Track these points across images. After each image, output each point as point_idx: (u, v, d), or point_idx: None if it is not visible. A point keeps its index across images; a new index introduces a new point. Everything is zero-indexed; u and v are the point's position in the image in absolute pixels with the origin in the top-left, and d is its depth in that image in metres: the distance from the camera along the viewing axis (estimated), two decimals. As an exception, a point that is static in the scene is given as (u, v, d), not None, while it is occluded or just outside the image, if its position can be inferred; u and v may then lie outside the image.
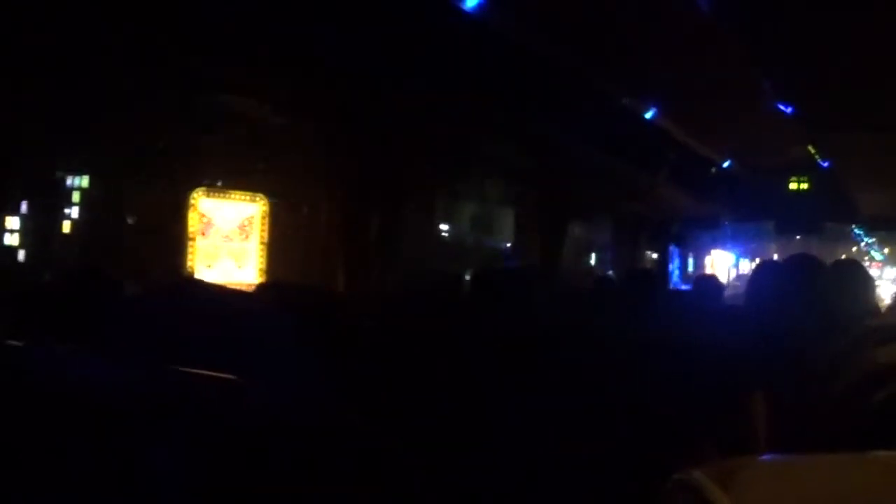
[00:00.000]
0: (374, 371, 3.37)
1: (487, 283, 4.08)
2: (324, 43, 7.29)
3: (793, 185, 18.68)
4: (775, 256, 24.14)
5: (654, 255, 20.24)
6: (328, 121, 9.07)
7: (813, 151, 15.27)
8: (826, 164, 16.33)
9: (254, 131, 9.78)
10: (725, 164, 17.16)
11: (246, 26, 6.71)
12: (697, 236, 22.88)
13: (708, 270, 26.33)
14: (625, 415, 3.00)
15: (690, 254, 24.28)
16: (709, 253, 27.03)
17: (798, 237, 23.92)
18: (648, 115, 12.54)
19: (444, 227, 16.72)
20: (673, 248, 20.90)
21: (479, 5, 8.29)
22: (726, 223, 22.24)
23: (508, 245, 20.52)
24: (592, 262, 21.02)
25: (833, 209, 19.09)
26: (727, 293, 7.62)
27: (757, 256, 29.58)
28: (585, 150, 11.69)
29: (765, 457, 1.76)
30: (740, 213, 20.68)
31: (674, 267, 21.86)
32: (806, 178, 18.48)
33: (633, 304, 5.37)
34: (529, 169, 12.82)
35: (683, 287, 16.44)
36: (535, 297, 4.54)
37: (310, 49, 7.40)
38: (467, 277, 4.53)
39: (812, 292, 3.52)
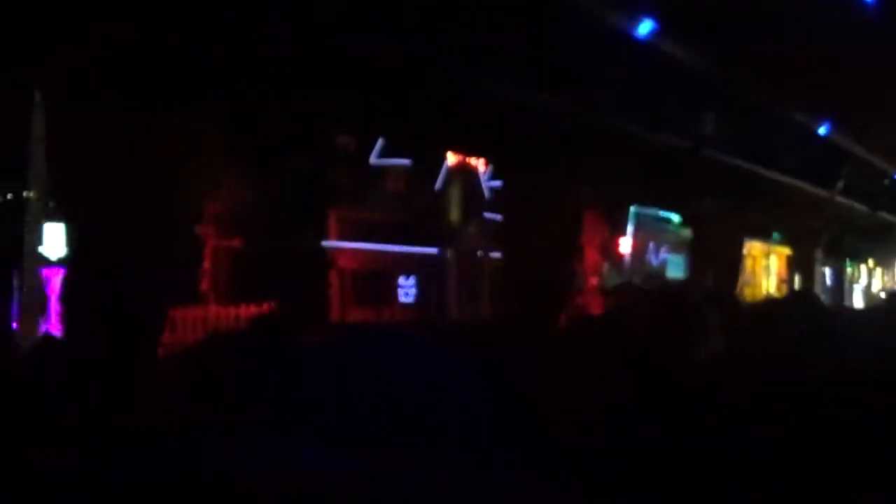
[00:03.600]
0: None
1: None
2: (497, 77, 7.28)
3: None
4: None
5: (826, 269, 19.54)
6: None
7: None
8: None
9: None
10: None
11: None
12: (871, 249, 21.94)
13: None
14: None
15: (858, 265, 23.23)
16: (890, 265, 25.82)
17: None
18: (822, 131, 12.15)
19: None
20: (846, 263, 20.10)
21: (652, 32, 8.16)
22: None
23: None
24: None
25: None
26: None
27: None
28: (761, 169, 11.44)
29: None
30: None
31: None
32: None
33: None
34: (700, 190, 12.57)
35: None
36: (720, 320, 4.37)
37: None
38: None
39: None
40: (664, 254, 22.69)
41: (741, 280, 14.74)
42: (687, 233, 22.74)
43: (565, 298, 9.99)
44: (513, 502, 1.80)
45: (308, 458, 1.73)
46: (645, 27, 8.08)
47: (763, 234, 17.58)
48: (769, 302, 12.19)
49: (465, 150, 12.07)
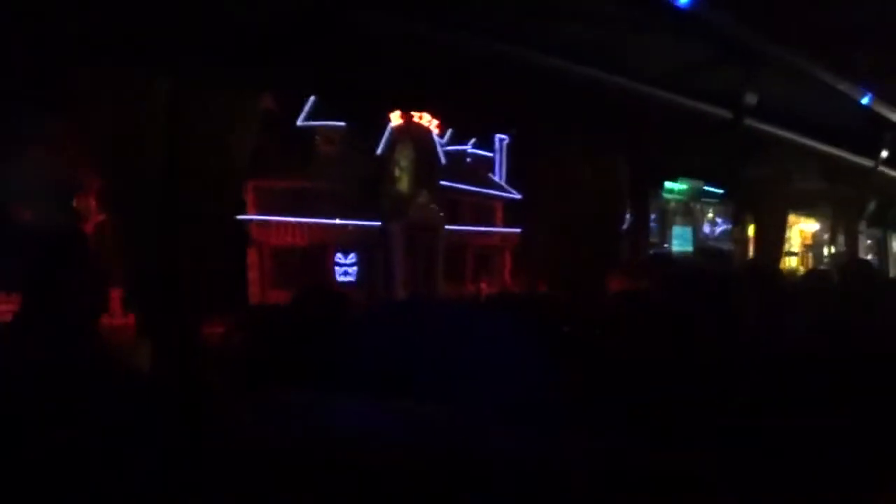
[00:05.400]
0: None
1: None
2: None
3: None
4: None
5: (869, 240, 19.18)
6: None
7: None
8: None
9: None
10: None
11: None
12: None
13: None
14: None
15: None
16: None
17: None
18: (865, 100, 11.86)
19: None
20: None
21: (692, 2, 7.97)
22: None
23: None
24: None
25: None
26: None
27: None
28: (804, 138, 11.24)
29: None
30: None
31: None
32: None
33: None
34: (741, 161, 12.38)
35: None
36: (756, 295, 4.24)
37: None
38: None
39: None
40: (652, 224, 22.09)
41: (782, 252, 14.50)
42: (672, 200, 22.22)
43: (607, 273, 9.86)
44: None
45: (359, 415, 1.66)
46: (685, -5, 7.91)
47: (806, 206, 17.29)
48: (815, 273, 11.97)
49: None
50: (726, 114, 9.44)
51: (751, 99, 9.31)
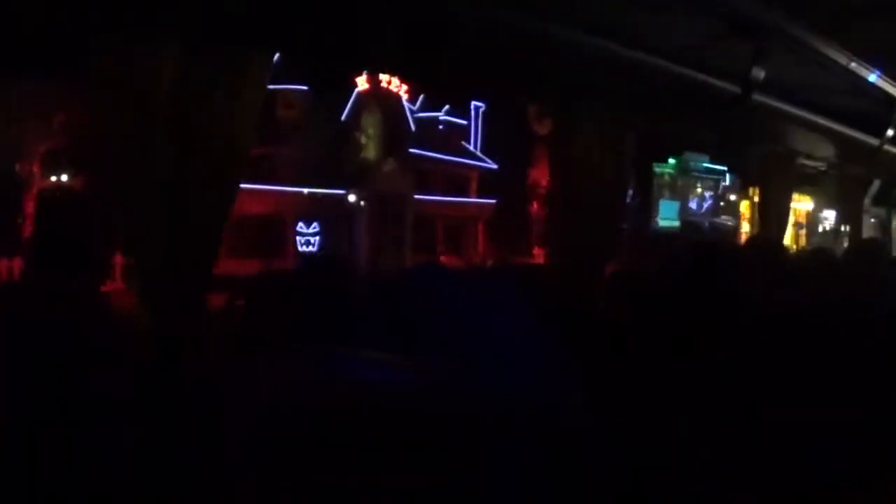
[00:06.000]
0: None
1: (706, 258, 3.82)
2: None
3: None
4: None
5: (873, 219, 19.13)
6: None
7: None
8: None
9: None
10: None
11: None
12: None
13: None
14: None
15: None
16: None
17: None
18: (872, 78, 11.77)
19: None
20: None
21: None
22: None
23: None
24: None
25: None
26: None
27: None
28: (811, 115, 11.18)
29: None
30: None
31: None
32: None
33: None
34: (746, 136, 12.32)
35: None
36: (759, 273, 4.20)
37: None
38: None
39: None
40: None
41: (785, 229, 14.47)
42: (664, 174, 22.23)
43: (613, 247, 9.82)
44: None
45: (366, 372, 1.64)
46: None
47: (810, 184, 17.25)
48: (813, 249, 11.97)
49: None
50: (734, 88, 9.38)
51: (758, 73, 9.24)
